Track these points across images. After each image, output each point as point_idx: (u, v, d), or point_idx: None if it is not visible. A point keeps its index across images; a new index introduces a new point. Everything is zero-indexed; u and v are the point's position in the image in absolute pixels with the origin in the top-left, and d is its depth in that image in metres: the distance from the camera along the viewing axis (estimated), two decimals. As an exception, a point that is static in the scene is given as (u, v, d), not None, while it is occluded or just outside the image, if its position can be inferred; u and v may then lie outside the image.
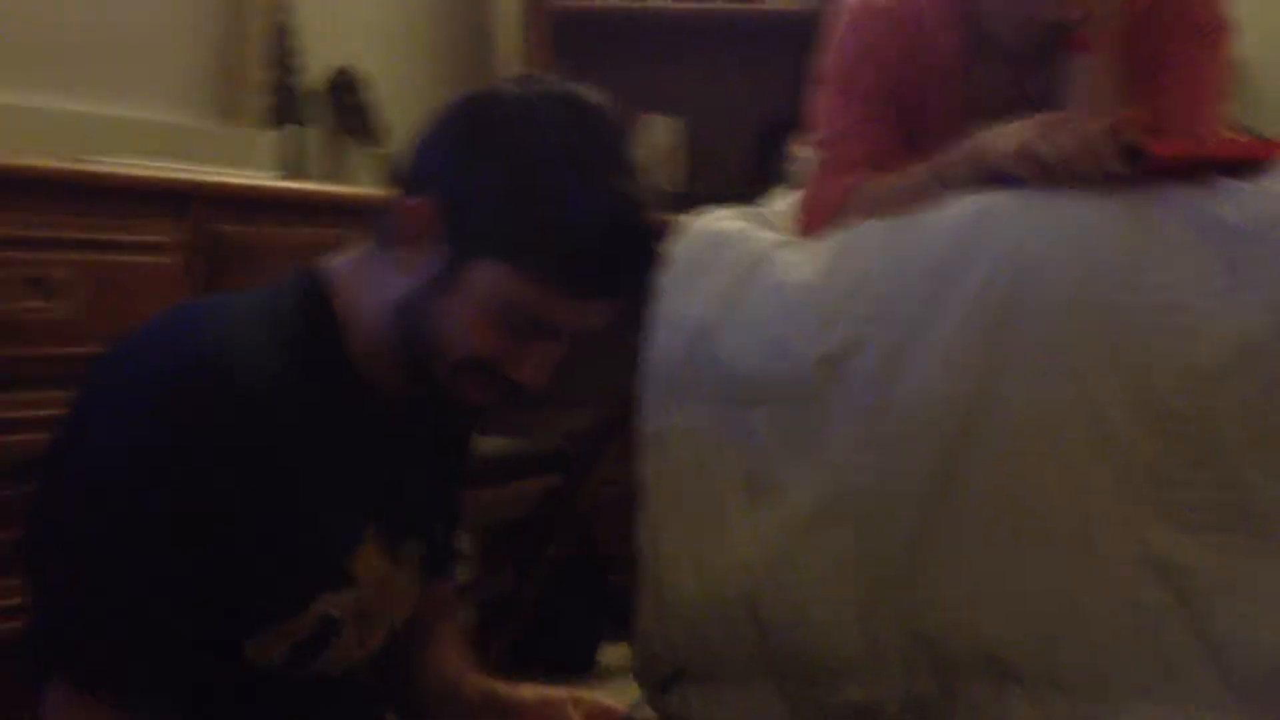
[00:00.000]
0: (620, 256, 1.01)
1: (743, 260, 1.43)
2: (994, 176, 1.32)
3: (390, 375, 1.04)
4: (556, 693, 1.14)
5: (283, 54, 2.43)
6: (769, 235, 1.47)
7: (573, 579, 2.19)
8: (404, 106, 2.62)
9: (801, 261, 1.40)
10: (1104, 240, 1.22)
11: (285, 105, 2.43)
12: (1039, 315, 1.22)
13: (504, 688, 1.16)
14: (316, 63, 2.49)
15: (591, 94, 1.03)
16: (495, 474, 1.78)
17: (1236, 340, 1.16)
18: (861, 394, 1.29)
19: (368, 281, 1.04)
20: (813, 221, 1.47)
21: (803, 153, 1.56)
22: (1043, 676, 1.20)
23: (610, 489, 1.95)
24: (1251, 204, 1.19)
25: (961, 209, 1.30)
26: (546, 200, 0.97)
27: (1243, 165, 1.26)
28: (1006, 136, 1.32)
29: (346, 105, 2.58)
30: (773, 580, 1.32)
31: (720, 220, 1.52)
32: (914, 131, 1.49)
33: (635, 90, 2.93)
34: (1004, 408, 1.22)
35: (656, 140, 2.95)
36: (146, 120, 2.12)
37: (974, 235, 1.27)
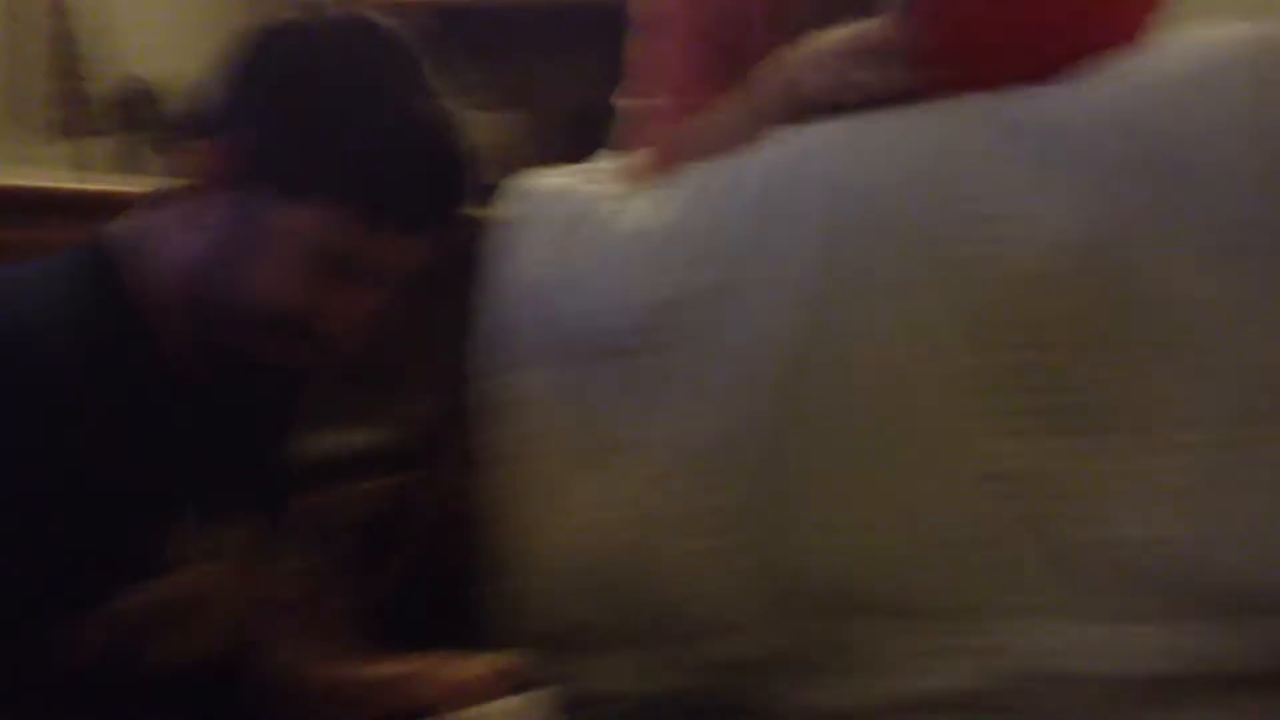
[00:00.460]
0: (428, 187, 0.95)
1: (571, 216, 1.39)
2: (812, 107, 1.29)
3: (193, 350, 0.96)
4: (413, 666, 1.07)
5: (66, 63, 2.29)
6: (595, 189, 1.43)
7: (419, 593, 2.10)
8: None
9: (629, 211, 1.36)
10: (918, 156, 1.21)
11: (71, 118, 2.30)
12: (861, 238, 1.21)
13: (352, 671, 1.08)
14: (104, 73, 2.36)
15: (385, 21, 0.97)
16: (329, 474, 1.69)
17: (1049, 242, 1.15)
18: (697, 339, 1.26)
19: (155, 242, 0.97)
20: (642, 172, 1.43)
21: (625, 105, 1.52)
22: (900, 607, 1.18)
23: (457, 491, 1.88)
24: (1055, 103, 1.19)
25: (781, 144, 1.28)
26: (342, 130, 0.92)
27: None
28: (820, 66, 1.29)
29: (139, 117, 2.45)
30: (625, 541, 1.27)
31: (545, 179, 1.47)
32: (738, 56, 1.45)
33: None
34: (836, 335, 1.20)
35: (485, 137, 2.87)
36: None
37: (794, 168, 1.25)
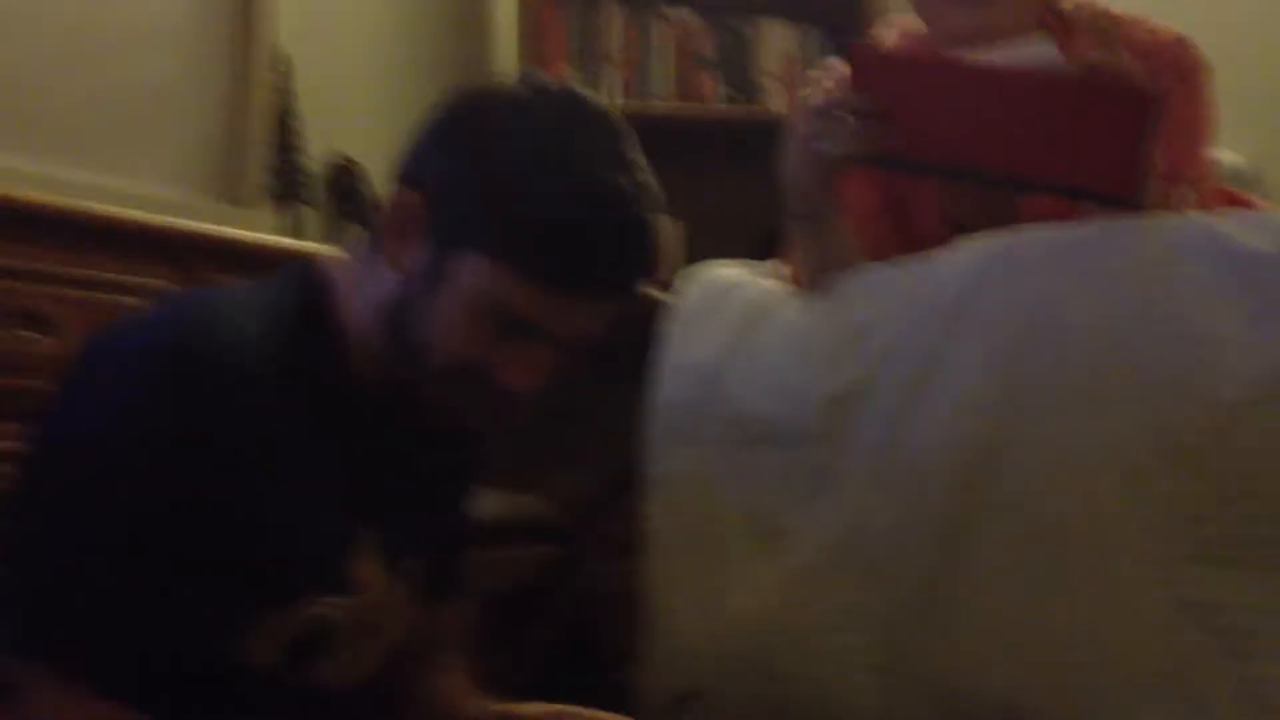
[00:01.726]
0: (606, 251, 0.96)
1: (750, 304, 1.42)
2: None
3: (384, 374, 1.01)
4: (569, 710, 1.08)
5: (284, 137, 2.45)
6: (773, 283, 1.47)
7: (566, 670, 2.11)
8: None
9: (808, 305, 1.38)
10: (1121, 274, 1.21)
11: (285, 186, 2.44)
12: (1057, 351, 1.20)
13: (508, 708, 1.10)
14: (316, 147, 2.52)
15: (587, 93, 1.01)
16: (487, 536, 1.73)
17: (1260, 371, 1.13)
18: (873, 435, 1.26)
19: (359, 279, 1.01)
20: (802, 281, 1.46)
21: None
22: None
23: (610, 570, 1.90)
24: (1267, 231, 1.18)
25: (973, 250, 1.29)
26: (528, 191, 0.94)
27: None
28: (790, 151, 1.35)
29: (344, 191, 2.59)
30: (781, 628, 1.27)
31: (721, 269, 1.51)
32: (903, 222, 1.48)
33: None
34: (1022, 446, 1.18)
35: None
36: (149, 194, 2.13)
37: (987, 274, 1.26)
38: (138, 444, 0.89)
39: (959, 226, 1.38)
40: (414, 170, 1.00)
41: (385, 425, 1.03)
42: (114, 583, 0.88)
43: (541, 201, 0.94)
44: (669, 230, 1.01)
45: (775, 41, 3.00)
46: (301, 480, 0.96)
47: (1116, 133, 1.21)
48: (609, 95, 2.88)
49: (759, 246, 2.91)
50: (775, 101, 2.98)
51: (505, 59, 3.04)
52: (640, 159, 1.00)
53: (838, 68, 1.39)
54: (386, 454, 1.04)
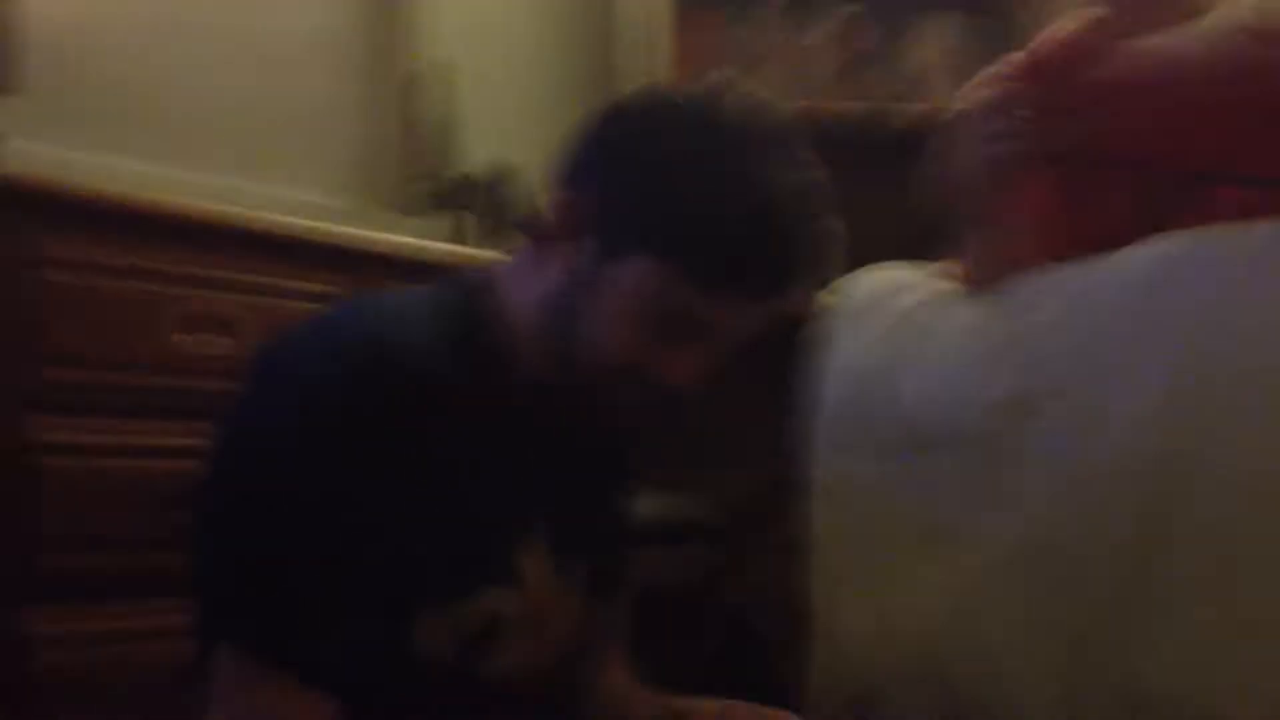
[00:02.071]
0: (776, 253, 0.95)
1: (918, 306, 1.39)
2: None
3: (548, 374, 1.02)
4: (739, 705, 1.07)
5: (447, 144, 2.50)
6: (937, 283, 1.43)
7: (728, 670, 2.10)
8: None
9: (978, 306, 1.35)
10: None
11: (446, 195, 2.49)
12: (1247, 358, 1.14)
13: (680, 701, 1.10)
14: (477, 154, 2.56)
15: (754, 91, 0.99)
16: (649, 536, 1.73)
17: None
18: (1052, 443, 1.22)
19: (523, 279, 1.02)
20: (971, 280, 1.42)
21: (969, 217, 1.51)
22: None
23: (771, 571, 1.88)
24: None
25: (1153, 250, 1.23)
26: (695, 192, 0.93)
27: None
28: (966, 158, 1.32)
29: (504, 197, 2.63)
30: (959, 631, 1.24)
31: (880, 272, 1.48)
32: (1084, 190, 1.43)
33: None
34: (1219, 457, 1.13)
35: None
36: (312, 202, 2.19)
37: (1169, 276, 1.20)
38: (320, 440, 0.91)
39: (1155, 223, 1.32)
40: (578, 173, 1.01)
41: (550, 424, 1.03)
42: (301, 574, 0.91)
43: (709, 202, 0.93)
44: (840, 230, 0.99)
45: (937, 35, 2.94)
46: (475, 476, 0.97)
47: None
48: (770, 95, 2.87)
49: (923, 245, 2.88)
50: (938, 96, 2.93)
51: (662, 64, 3.05)
52: (809, 157, 0.99)
53: (1013, 63, 1.35)
54: (551, 452, 1.04)
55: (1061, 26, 1.49)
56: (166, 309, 1.53)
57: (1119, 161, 1.28)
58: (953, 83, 2.89)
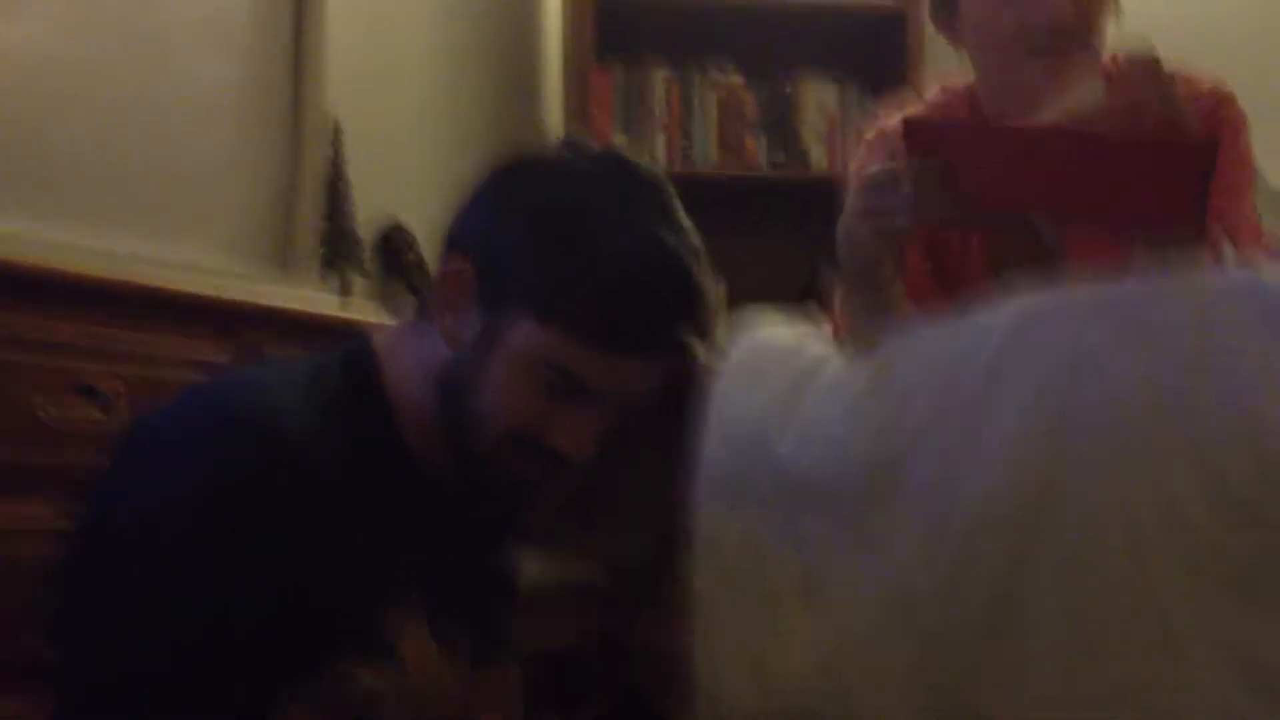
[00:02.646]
0: (656, 310, 0.97)
1: (799, 366, 1.42)
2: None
3: (435, 449, 1.01)
4: None
5: (336, 205, 2.48)
6: (822, 344, 1.46)
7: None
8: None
9: (854, 366, 1.38)
10: (1166, 326, 1.19)
11: (336, 255, 2.47)
12: (1102, 406, 1.18)
13: None
14: (366, 212, 2.55)
15: (632, 154, 1.01)
16: (536, 599, 1.72)
17: None
18: (923, 499, 1.25)
19: (412, 351, 1.02)
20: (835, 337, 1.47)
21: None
22: None
23: (660, 632, 1.88)
24: None
25: (1014, 306, 1.28)
26: (576, 251, 0.95)
27: None
28: (847, 231, 1.33)
29: (394, 255, 2.62)
30: (830, 689, 1.26)
31: (772, 329, 1.51)
32: (944, 265, 1.47)
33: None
34: (1072, 505, 1.17)
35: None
36: (200, 263, 2.16)
37: (1026, 331, 1.25)
38: (192, 522, 0.90)
39: (1002, 270, 1.37)
40: (461, 235, 1.01)
41: (437, 497, 1.03)
42: (167, 658, 0.89)
43: (589, 260, 0.94)
44: (717, 289, 1.01)
45: (817, 99, 3.01)
46: (351, 555, 0.96)
47: (1177, 182, 1.20)
48: (655, 157, 2.91)
49: (802, 303, 2.93)
50: (819, 160, 2.99)
51: (553, 123, 3.08)
52: (685, 219, 1.00)
53: (889, 137, 1.40)
54: (436, 525, 1.04)
55: (923, 92, 1.54)
56: (29, 377, 1.45)
57: (991, 220, 1.33)
58: (836, 146, 2.98)
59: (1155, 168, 1.21)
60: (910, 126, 1.27)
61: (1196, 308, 1.20)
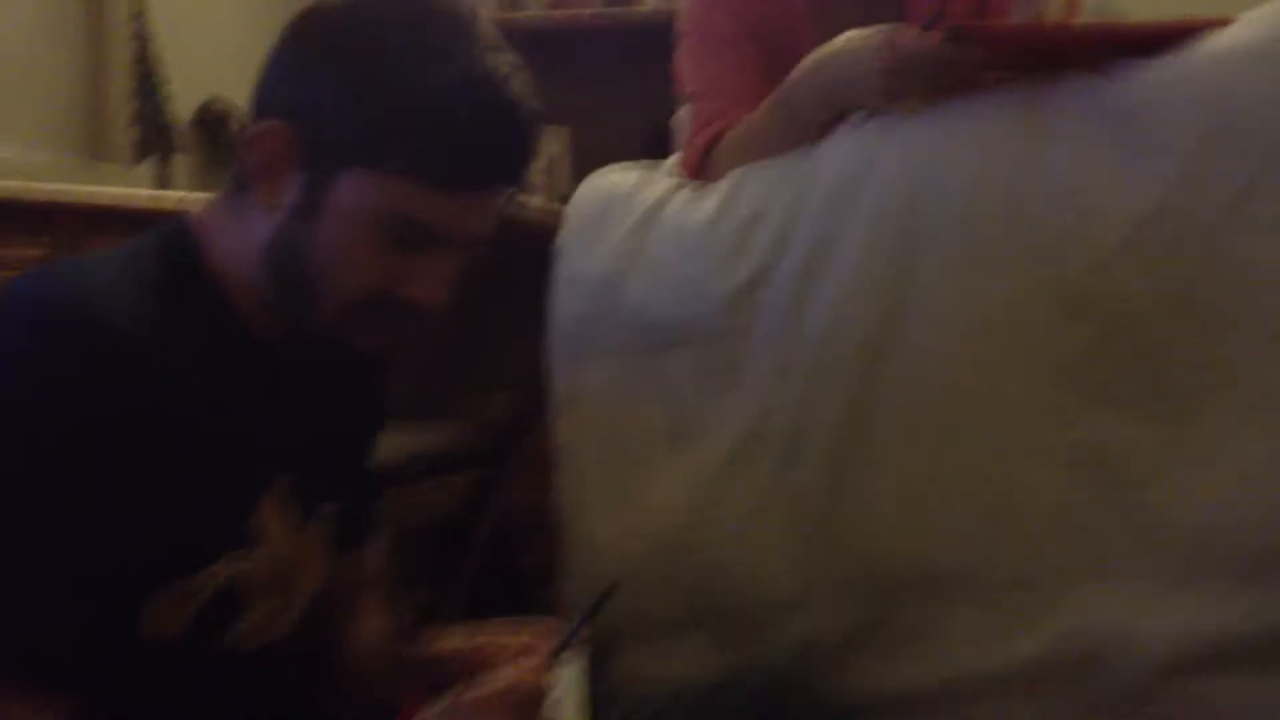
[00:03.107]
0: (489, 138, 0.92)
1: (641, 208, 1.40)
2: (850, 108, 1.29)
3: (273, 326, 0.96)
4: (488, 634, 1.06)
5: (147, 87, 2.36)
6: (665, 183, 1.44)
7: (492, 596, 2.10)
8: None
9: (700, 202, 1.37)
10: (999, 134, 1.21)
11: (153, 138, 2.36)
12: (942, 216, 1.20)
13: (433, 646, 1.08)
14: (183, 94, 2.43)
15: None
16: (405, 471, 1.71)
17: (1131, 212, 1.14)
18: (773, 325, 1.26)
19: (232, 226, 0.95)
20: (689, 173, 1.45)
21: (681, 113, 1.53)
22: (979, 580, 1.16)
23: (529, 494, 1.88)
24: (1136, 81, 1.18)
25: (853, 133, 1.28)
26: (399, 90, 0.89)
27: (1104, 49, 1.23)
28: (856, 65, 1.27)
29: (216, 136, 2.51)
30: (696, 525, 1.28)
31: (614, 174, 1.48)
32: (785, 71, 1.46)
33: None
34: (917, 315, 1.20)
35: (543, 149, 2.93)
36: (10, 159, 2.04)
37: (867, 154, 1.25)
38: (19, 420, 0.84)
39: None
40: (269, 98, 0.94)
41: (286, 375, 0.99)
42: (7, 562, 0.84)
43: (413, 97, 0.89)
44: (540, 114, 0.96)
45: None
46: (198, 441, 0.91)
47: None
48: (488, 5, 2.82)
49: (648, 146, 2.90)
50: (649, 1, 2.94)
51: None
52: (496, 38, 0.95)
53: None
54: (289, 403, 1.00)
55: None
56: None
57: None
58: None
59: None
60: (961, 32, 1.21)
61: (1027, 118, 1.21)
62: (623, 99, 3.02)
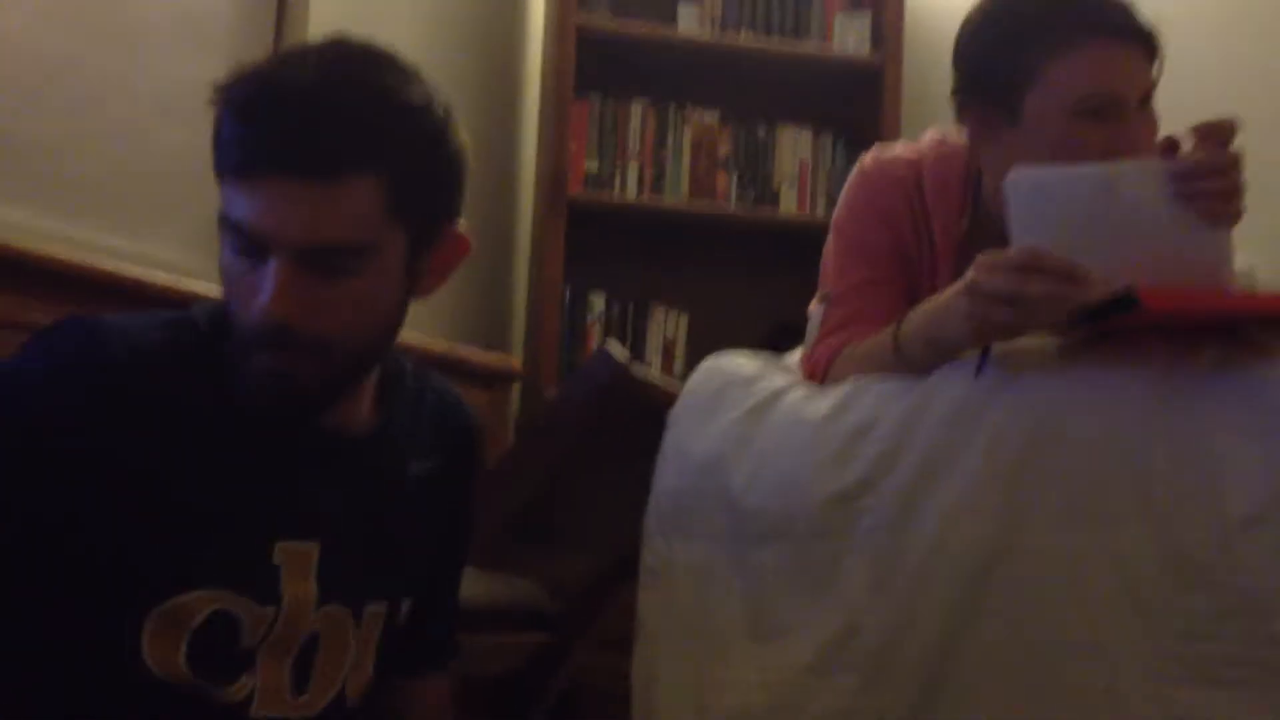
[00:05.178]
0: (250, 121, 0.93)
1: (755, 397, 1.41)
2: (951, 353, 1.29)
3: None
4: None
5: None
6: (784, 376, 1.46)
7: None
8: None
9: (815, 401, 1.37)
10: (1127, 388, 1.20)
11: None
12: (1061, 462, 1.18)
13: None
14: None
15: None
16: (475, 621, 1.70)
17: (1266, 488, 1.12)
18: (872, 538, 1.25)
19: None
20: (808, 377, 1.46)
21: (814, 309, 1.56)
22: None
23: (600, 663, 1.86)
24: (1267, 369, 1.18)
25: (975, 357, 1.27)
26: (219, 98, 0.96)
27: (1252, 319, 1.24)
28: (956, 315, 1.26)
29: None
30: (776, 724, 1.24)
31: (737, 358, 1.51)
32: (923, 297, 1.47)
33: (644, 283, 3.03)
34: (1024, 556, 1.17)
35: (661, 330, 2.99)
36: (162, 257, 2.14)
37: (985, 387, 1.24)
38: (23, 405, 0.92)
39: None
40: None
41: (296, 448, 1.02)
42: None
43: (218, 100, 0.95)
44: (378, 109, 0.96)
45: (792, 143, 3.04)
46: (199, 477, 0.96)
47: None
48: (630, 188, 2.92)
49: (766, 342, 2.94)
50: (790, 203, 3.02)
51: (529, 149, 3.09)
52: (371, 70, 0.97)
53: (887, 171, 1.45)
54: (311, 476, 1.02)
55: (895, 148, 1.53)
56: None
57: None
58: (807, 191, 3.00)
59: None
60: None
61: (1155, 371, 1.20)
62: (745, 294, 3.07)
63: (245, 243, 0.94)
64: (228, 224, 0.94)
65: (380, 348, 1.03)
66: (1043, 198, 1.25)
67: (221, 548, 0.96)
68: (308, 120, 0.93)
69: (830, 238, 1.54)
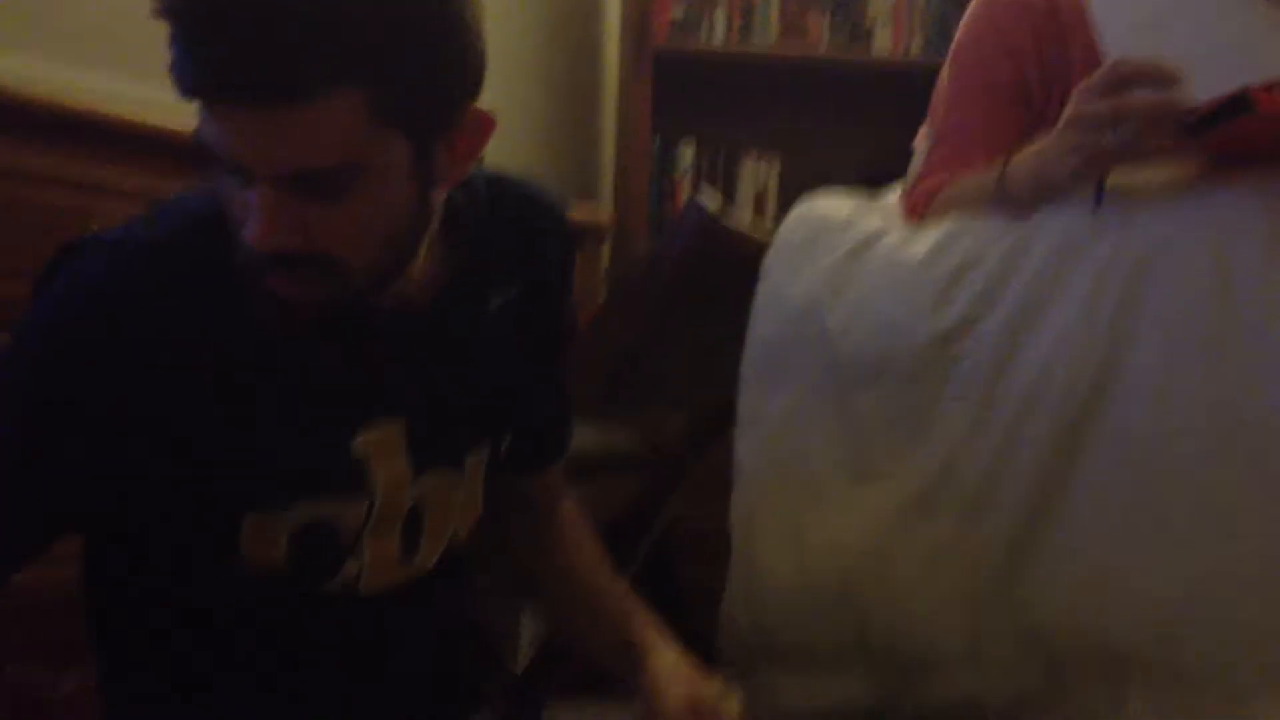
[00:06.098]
0: (202, 44, 0.79)
1: (851, 240, 1.38)
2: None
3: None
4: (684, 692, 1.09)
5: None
6: (880, 218, 1.43)
7: (650, 603, 2.09)
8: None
9: (913, 242, 1.34)
10: (1236, 225, 1.15)
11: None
12: (1167, 296, 1.15)
13: (640, 652, 1.14)
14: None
15: None
16: (574, 470, 1.71)
17: None
18: (973, 377, 1.23)
19: None
20: (908, 215, 1.42)
21: (919, 143, 1.51)
22: (1164, 672, 1.11)
23: (699, 509, 1.87)
24: None
25: (1075, 204, 1.23)
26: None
27: None
28: (1064, 148, 1.21)
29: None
30: (872, 567, 1.25)
31: (829, 203, 1.47)
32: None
33: (734, 131, 2.97)
34: (1127, 389, 1.15)
35: (753, 178, 2.94)
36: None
37: (1090, 224, 1.20)
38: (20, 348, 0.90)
39: None
40: None
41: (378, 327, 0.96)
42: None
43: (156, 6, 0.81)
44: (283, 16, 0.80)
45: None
46: (258, 396, 0.92)
47: None
48: (717, 34, 2.85)
49: (861, 188, 2.88)
50: (884, 44, 2.92)
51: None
52: None
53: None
54: (378, 357, 0.97)
55: None
56: (71, 219, 1.41)
57: None
58: (903, 30, 2.90)
59: None
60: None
61: (1268, 212, 1.15)
62: (838, 139, 3.00)
63: (231, 170, 0.86)
64: (201, 149, 0.85)
65: (405, 244, 0.93)
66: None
67: (298, 458, 0.94)
68: (261, 33, 0.79)
69: (944, 69, 1.48)
